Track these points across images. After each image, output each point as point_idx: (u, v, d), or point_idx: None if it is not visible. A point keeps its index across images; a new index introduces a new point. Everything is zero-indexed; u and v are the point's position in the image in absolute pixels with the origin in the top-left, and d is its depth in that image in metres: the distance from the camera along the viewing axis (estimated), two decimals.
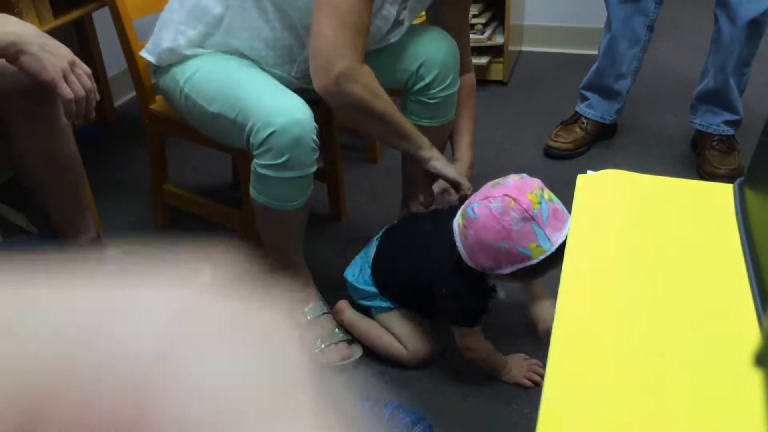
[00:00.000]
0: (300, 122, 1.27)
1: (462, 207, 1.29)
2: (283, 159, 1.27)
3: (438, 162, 1.45)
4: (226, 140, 1.44)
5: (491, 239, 1.21)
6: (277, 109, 1.27)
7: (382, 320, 1.46)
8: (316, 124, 1.30)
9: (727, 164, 2.06)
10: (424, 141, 1.43)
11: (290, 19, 1.39)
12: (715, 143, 2.09)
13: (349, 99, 1.29)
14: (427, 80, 1.48)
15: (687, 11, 3.30)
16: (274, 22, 1.40)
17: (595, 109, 2.25)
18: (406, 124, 1.40)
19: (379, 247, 1.46)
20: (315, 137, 1.30)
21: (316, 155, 1.32)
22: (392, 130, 1.38)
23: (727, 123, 2.10)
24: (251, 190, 1.36)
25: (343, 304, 1.52)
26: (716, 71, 2.04)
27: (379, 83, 1.35)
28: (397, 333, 1.44)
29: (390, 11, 1.39)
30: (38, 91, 1.32)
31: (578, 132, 2.24)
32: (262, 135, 1.27)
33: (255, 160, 1.31)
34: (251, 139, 1.30)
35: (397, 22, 1.43)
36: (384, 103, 1.34)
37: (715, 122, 2.10)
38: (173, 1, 1.48)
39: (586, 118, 2.25)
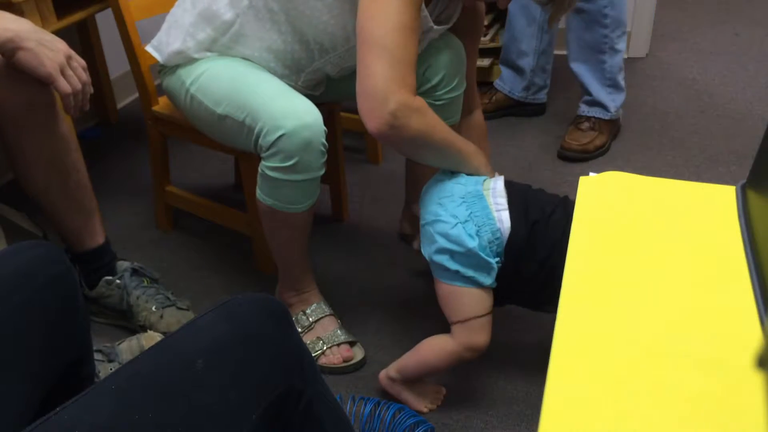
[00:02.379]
0: (310, 126, 1.27)
1: None
2: (292, 162, 1.27)
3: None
4: (232, 142, 1.44)
5: None
6: (287, 112, 1.27)
7: (460, 294, 1.26)
8: (325, 128, 1.30)
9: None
10: (481, 158, 1.33)
11: (303, 34, 1.39)
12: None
13: (407, 134, 1.22)
14: (434, 82, 1.48)
15: (689, 13, 3.31)
16: (286, 34, 1.40)
17: (505, 83, 2.45)
18: (465, 144, 1.31)
19: (523, 223, 1.23)
20: (324, 140, 1.30)
21: (324, 158, 1.32)
22: (453, 156, 1.29)
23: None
24: (258, 192, 1.36)
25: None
26: None
27: None
28: (467, 311, 1.26)
29: None
30: (38, 100, 1.31)
31: (484, 101, 2.43)
32: (272, 138, 1.27)
33: (263, 163, 1.31)
34: (260, 141, 1.30)
35: None
36: (442, 130, 1.26)
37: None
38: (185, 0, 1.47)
39: (497, 90, 2.48)
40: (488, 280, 1.23)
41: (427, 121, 1.23)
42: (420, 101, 1.23)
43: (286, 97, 1.31)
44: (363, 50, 1.20)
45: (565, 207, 1.26)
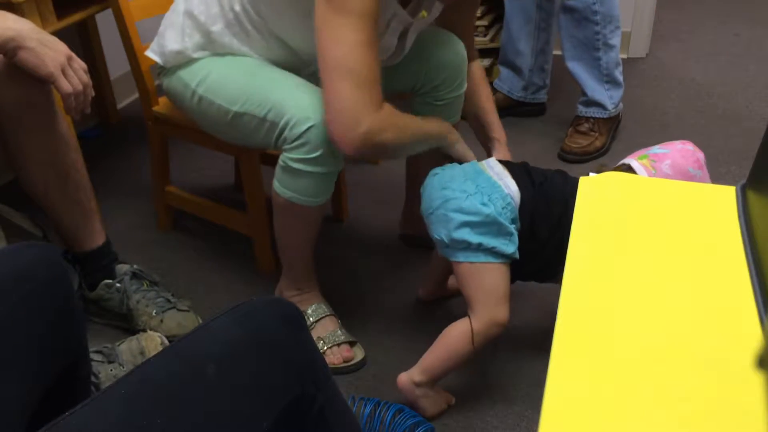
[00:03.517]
0: None
1: (630, 158, 1.29)
2: (317, 153, 1.27)
3: (460, 145, 1.39)
4: (246, 139, 1.44)
5: (690, 165, 1.26)
6: (315, 103, 1.27)
7: (482, 270, 1.26)
8: None
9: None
10: (447, 127, 1.38)
11: (287, 44, 1.40)
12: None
13: (382, 149, 1.27)
14: (436, 83, 1.48)
15: (689, 13, 3.31)
16: (272, 43, 1.40)
17: (504, 83, 2.46)
18: (431, 124, 1.36)
19: (529, 185, 1.28)
20: None
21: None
22: (424, 141, 1.34)
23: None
24: (276, 185, 1.35)
25: None
26: None
27: (390, 85, 1.34)
28: (490, 287, 1.27)
29: (390, 42, 1.38)
30: (37, 100, 1.31)
31: None
32: (300, 129, 1.26)
33: (285, 155, 1.31)
34: (285, 133, 1.29)
35: (399, 48, 1.42)
36: (412, 126, 1.30)
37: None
38: (179, 1, 1.47)
39: (496, 90, 2.44)
40: (511, 247, 1.25)
41: (399, 128, 1.26)
42: (387, 111, 1.24)
43: (310, 89, 1.32)
44: (325, 74, 1.21)
45: (563, 174, 1.33)
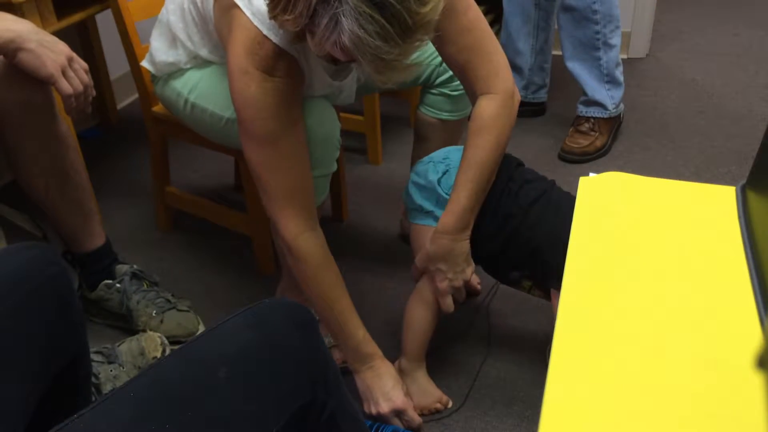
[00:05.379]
0: (328, 121, 1.28)
1: None
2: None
3: (365, 377, 1.29)
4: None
5: None
6: (305, 107, 1.27)
7: (427, 232, 1.28)
8: (339, 123, 1.31)
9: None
10: (370, 354, 1.28)
11: None
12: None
13: (289, 259, 1.27)
14: (450, 72, 1.48)
15: (689, 14, 3.30)
16: None
17: None
18: (358, 332, 1.28)
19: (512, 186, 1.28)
20: (339, 136, 1.31)
21: (338, 154, 1.33)
22: (334, 327, 1.29)
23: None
24: None
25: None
26: None
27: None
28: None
29: (350, 89, 1.39)
30: (37, 101, 1.31)
31: None
32: None
33: None
34: None
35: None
36: (324, 296, 1.26)
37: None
38: (172, 10, 1.42)
39: None
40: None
41: (303, 270, 1.25)
42: (301, 244, 1.24)
43: None
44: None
45: (550, 186, 1.33)
